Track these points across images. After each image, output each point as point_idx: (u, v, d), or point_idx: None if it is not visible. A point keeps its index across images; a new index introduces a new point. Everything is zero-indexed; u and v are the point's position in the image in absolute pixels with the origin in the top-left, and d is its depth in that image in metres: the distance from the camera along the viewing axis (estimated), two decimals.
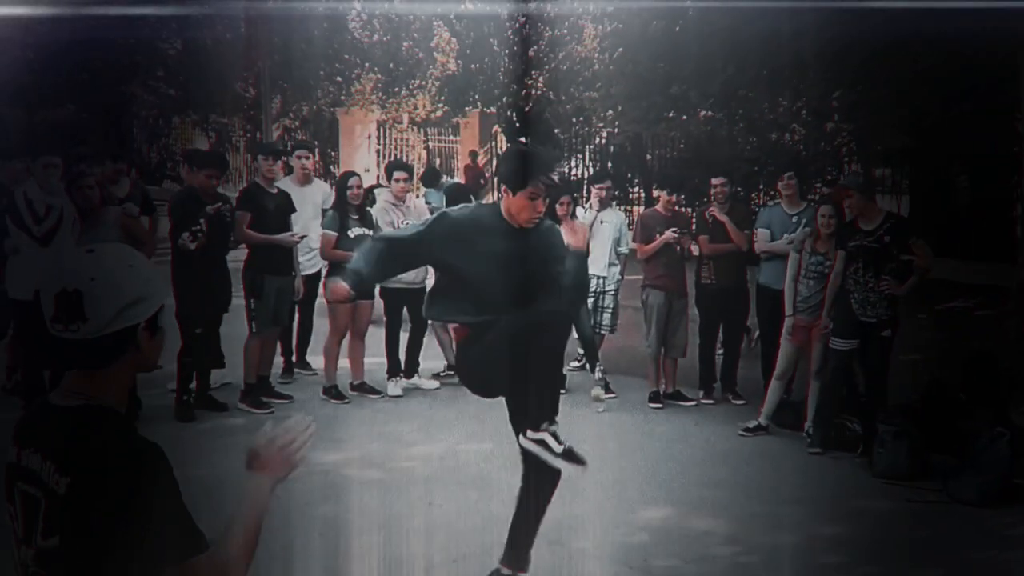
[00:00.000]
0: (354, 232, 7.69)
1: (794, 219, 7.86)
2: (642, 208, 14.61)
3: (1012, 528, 5.72)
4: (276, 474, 2.25)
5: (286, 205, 7.71)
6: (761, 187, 14.28)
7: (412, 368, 8.34)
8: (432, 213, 10.73)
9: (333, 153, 20.47)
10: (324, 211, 8.04)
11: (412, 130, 20.65)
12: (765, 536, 5.49)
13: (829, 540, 5.49)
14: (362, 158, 19.93)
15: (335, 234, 7.68)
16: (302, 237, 7.73)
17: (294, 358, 8.62)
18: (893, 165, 14.56)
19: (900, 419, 6.67)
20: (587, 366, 8.44)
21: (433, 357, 8.54)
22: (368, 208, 8.04)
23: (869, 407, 6.91)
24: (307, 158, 8.49)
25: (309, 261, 8.18)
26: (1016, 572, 5.19)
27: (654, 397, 8.06)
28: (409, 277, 7.93)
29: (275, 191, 7.74)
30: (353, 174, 8.15)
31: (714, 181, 8.25)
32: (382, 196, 8.38)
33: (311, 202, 8.19)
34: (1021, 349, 7.68)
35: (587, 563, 5.11)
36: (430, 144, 20.40)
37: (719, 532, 5.54)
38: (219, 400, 7.59)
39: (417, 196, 9.89)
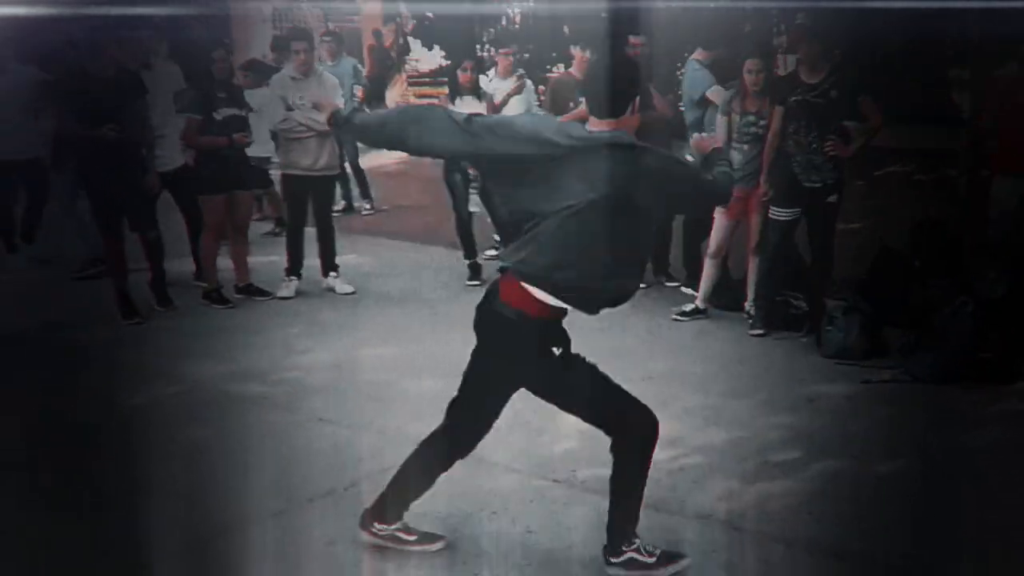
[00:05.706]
0: (222, 114, 6.65)
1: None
2: None
3: (981, 407, 5.09)
4: None
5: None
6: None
7: (329, 264, 7.31)
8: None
9: (227, 40, 18.89)
10: (177, 92, 6.89)
11: (312, 12, 19.16)
12: (708, 434, 4.80)
13: (779, 433, 4.82)
14: (260, 44, 18.48)
15: (199, 117, 6.61)
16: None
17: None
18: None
19: (849, 293, 6.02)
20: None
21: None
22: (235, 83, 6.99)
23: (815, 282, 6.23)
24: None
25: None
26: (987, 456, 4.54)
27: None
28: (315, 162, 6.96)
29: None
30: (218, 45, 6.97)
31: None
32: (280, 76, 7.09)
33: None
34: (975, 214, 6.99)
35: (502, 479, 4.25)
36: (330, 24, 18.94)
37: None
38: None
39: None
